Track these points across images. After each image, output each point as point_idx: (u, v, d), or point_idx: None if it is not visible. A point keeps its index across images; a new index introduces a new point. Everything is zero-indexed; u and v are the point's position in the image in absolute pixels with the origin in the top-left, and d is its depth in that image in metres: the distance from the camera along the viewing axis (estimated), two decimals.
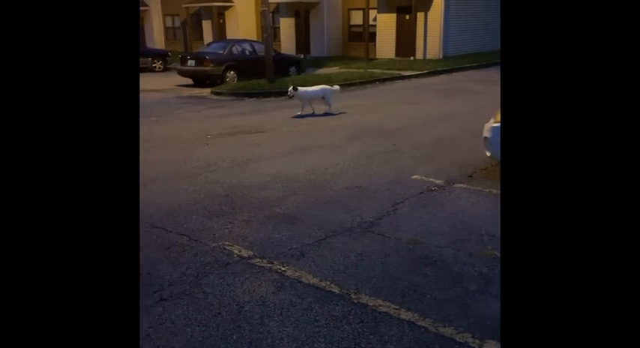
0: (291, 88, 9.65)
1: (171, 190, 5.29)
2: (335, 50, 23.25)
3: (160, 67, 20.13)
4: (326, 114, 9.74)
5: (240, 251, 3.69)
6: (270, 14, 14.83)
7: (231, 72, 14.93)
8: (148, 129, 8.80)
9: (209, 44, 16.75)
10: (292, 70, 16.34)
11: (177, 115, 10.41)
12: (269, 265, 3.47)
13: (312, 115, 9.72)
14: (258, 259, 3.56)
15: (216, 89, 13.34)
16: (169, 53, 21.11)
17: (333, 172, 5.80)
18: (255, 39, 21.19)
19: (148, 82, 16.14)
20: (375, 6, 21.14)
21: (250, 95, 12.45)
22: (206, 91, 13.64)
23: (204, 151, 7.13)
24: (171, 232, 4.10)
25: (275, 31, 24.42)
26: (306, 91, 9.78)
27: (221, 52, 15.16)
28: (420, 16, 19.86)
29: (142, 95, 13.34)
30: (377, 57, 20.98)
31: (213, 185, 5.39)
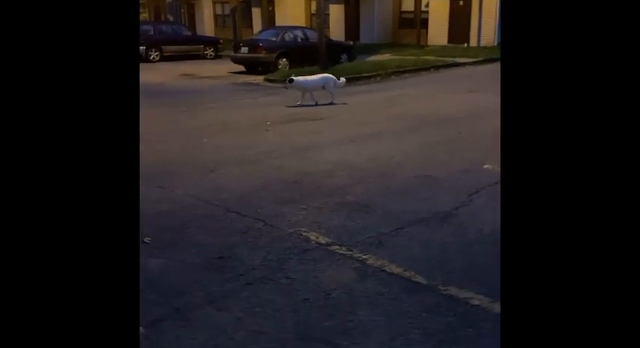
0: (287, 78, 9.32)
1: (239, 175, 5.32)
2: (385, 37, 22.88)
3: (211, 55, 20.39)
4: (330, 103, 9.42)
5: (317, 238, 3.67)
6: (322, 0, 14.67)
7: (284, 59, 14.93)
8: (207, 114, 8.92)
9: (261, 31, 16.82)
10: (343, 57, 16.18)
11: (234, 101, 10.50)
12: (348, 252, 3.43)
13: (315, 105, 9.40)
14: (336, 246, 3.52)
15: (270, 76, 13.37)
16: (221, 41, 21.34)
17: (398, 160, 5.69)
18: (303, 26, 21.09)
19: (201, 69, 16.39)
20: None
21: None
22: (259, 79, 13.69)
23: (264, 137, 7.15)
24: (245, 216, 4.11)
25: (324, 18, 24.25)
26: (305, 81, 9.48)
27: (274, 39, 15.19)
28: (475, 2, 19.25)
29: (196, 82, 13.62)
30: (428, 44, 20.51)
31: (279, 171, 5.39)
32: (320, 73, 12.95)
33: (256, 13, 27.02)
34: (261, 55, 14.75)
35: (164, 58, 19.14)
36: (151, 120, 8.53)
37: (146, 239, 3.69)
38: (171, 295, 2.95)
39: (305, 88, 9.38)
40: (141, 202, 4.95)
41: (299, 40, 15.70)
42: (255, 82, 13.34)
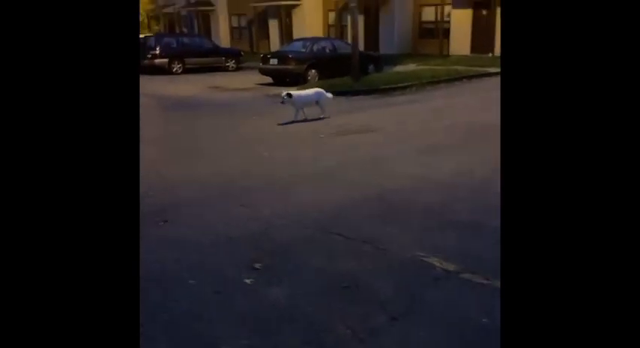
0: (284, 93, 8.89)
1: (317, 191, 5.04)
2: (404, 47, 22.72)
3: (232, 67, 20.21)
4: (320, 118, 9.04)
5: (441, 263, 3.36)
6: (355, 9, 14.46)
7: (313, 70, 14.71)
8: (253, 127, 8.65)
9: (290, 42, 16.63)
10: (370, 67, 15.96)
11: (274, 113, 10.21)
12: (486, 281, 3.12)
13: (305, 120, 8.95)
14: (468, 274, 3.21)
15: (303, 88, 13.12)
16: (242, 52, 21.19)
17: (484, 176, 5.38)
18: (332, 37, 20.92)
19: (227, 81, 16.19)
20: (449, 2, 20.50)
21: (339, 94, 12.13)
22: (290, 90, 13.45)
23: (324, 150, 6.88)
24: (349, 238, 3.81)
25: (342, 29, 24.16)
26: (299, 96, 9.08)
27: (303, 50, 15.00)
28: (499, 11, 19.06)
29: (228, 94, 13.38)
30: (450, 54, 20.31)
31: (359, 187, 5.10)
32: (352, 83, 12.80)
33: (273, 25, 26.99)
34: (291, 67, 14.54)
35: (186, 71, 18.97)
36: (201, 133, 8.30)
37: (256, 265, 3.40)
38: (315, 331, 2.65)
39: (301, 103, 8.99)
40: (229, 223, 4.60)
41: (327, 51, 15.51)
42: None
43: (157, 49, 18.69)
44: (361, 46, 22.88)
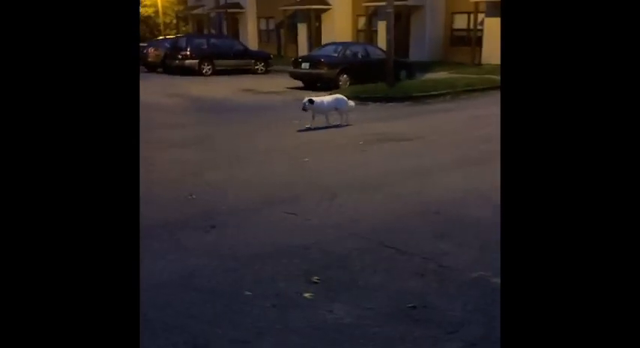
0: (306, 99, 8.59)
1: (365, 202, 4.87)
2: (435, 54, 22.45)
3: (261, 70, 20.20)
4: (338, 125, 8.80)
5: None
6: (391, 14, 14.30)
7: (344, 75, 14.58)
8: (292, 132, 8.52)
9: (321, 47, 16.51)
10: (402, 74, 15.76)
11: (311, 118, 10.07)
12: None
13: (326, 127, 8.71)
14: None
15: (336, 93, 13.00)
16: (271, 55, 21.18)
17: None
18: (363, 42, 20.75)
19: (258, 84, 16.15)
20: (483, 10, 20.20)
21: (374, 100, 12.00)
22: (323, 95, 13.32)
23: (365, 158, 6.72)
24: (409, 253, 3.64)
25: (372, 35, 23.99)
26: (321, 102, 8.78)
27: (335, 55, 14.87)
28: None
29: (261, 97, 13.30)
30: (482, 62, 19.99)
31: (407, 198, 4.93)
32: (387, 90, 12.61)
33: (302, 29, 26.95)
34: (323, 71, 14.42)
35: (216, 72, 19.01)
36: (238, 136, 8.19)
37: (314, 278, 3.25)
38: None
39: (323, 110, 8.76)
40: (278, 231, 4.38)
41: (359, 56, 15.36)
42: None
43: (188, 50, 18.77)
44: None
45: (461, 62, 20.19)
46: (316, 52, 15.77)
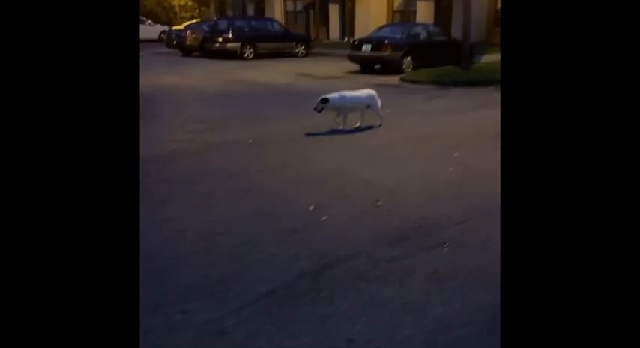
0: (320, 99, 6.84)
1: None
2: (478, 35, 21.47)
3: (302, 53, 19.33)
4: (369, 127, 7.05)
5: None
6: None
7: (408, 58, 13.74)
8: (400, 122, 7.70)
9: (380, 28, 15.58)
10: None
11: (407, 106, 9.24)
12: None
13: (358, 130, 6.99)
14: None
15: (409, 77, 12.23)
16: (313, 38, 20.28)
17: None
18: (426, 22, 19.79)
19: (309, 68, 15.27)
20: None
21: (455, 84, 11.19)
22: (392, 79, 12.52)
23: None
24: None
25: (409, 16, 23.05)
26: (343, 98, 6.91)
27: (398, 36, 14.00)
28: None
29: (325, 83, 12.34)
30: None
31: None
32: (464, 73, 11.75)
33: (333, 10, 25.91)
34: (386, 54, 13.57)
35: (257, 56, 18.14)
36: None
37: None
38: None
39: (344, 108, 6.93)
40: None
41: (421, 37, 14.49)
42: (393, 83, 12.13)
43: (230, 32, 17.87)
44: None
45: None
46: (376, 33, 14.83)
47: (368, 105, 7.14)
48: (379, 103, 7.27)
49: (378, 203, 4.17)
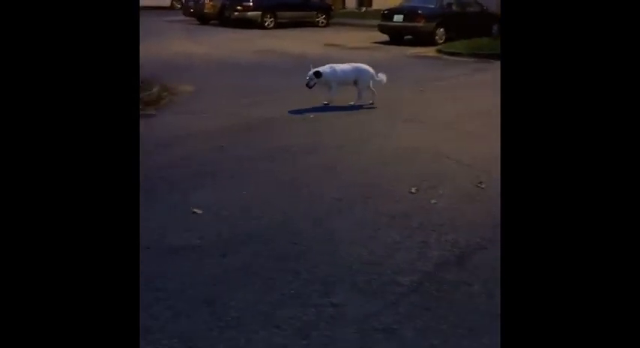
0: (311, 72, 6.46)
1: None
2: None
3: (323, 22, 18.77)
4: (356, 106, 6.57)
5: None
6: None
7: (441, 29, 13.30)
8: (453, 97, 7.38)
9: None
10: (494, 28, 14.44)
11: (451, 80, 8.94)
12: None
13: (357, 106, 6.55)
14: None
15: (447, 49, 11.85)
16: (333, 7, 19.68)
17: None
18: None
19: (335, 38, 14.83)
20: None
21: (495, 57, 10.79)
22: (427, 50, 12.14)
23: None
24: None
25: None
26: (334, 72, 6.51)
27: (431, 6, 13.51)
28: None
29: (357, 54, 11.85)
30: None
31: None
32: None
33: None
34: (420, 25, 13.13)
35: (277, 25, 17.60)
36: (419, 102, 7.02)
37: None
38: None
39: (335, 81, 6.53)
40: None
41: (454, 8, 13.99)
42: (428, 55, 11.77)
43: (250, 0, 17.29)
44: None
45: None
46: (407, 3, 14.31)
47: (354, 80, 6.63)
48: (368, 81, 6.59)
49: (483, 185, 3.94)
